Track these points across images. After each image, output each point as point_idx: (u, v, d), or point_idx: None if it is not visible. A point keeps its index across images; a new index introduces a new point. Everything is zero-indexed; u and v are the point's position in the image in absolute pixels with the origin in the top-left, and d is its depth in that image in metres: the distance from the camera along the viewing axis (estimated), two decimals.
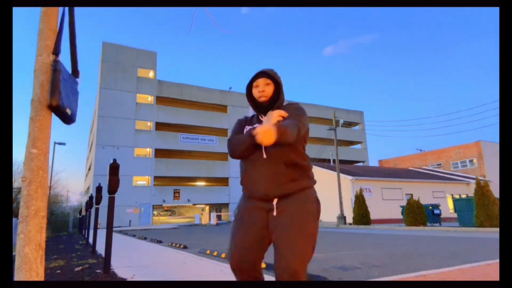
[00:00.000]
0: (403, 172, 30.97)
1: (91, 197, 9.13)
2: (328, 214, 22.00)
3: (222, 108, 38.52)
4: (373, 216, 18.95)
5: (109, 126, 31.44)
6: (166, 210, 54.02)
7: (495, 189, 17.16)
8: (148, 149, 33.78)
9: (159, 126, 34.86)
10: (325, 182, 23.70)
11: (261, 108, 1.68)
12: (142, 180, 33.15)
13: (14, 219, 8.98)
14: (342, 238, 10.38)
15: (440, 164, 37.84)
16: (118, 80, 32.85)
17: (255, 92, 1.67)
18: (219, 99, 38.18)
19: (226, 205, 36.10)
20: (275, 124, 1.41)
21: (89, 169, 37.17)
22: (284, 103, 1.73)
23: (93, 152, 32.58)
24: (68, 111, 1.58)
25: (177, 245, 8.45)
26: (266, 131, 1.30)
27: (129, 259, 5.71)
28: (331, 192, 22.18)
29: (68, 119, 1.61)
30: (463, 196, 23.49)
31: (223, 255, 5.86)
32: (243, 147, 1.57)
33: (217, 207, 36.77)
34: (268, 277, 2.76)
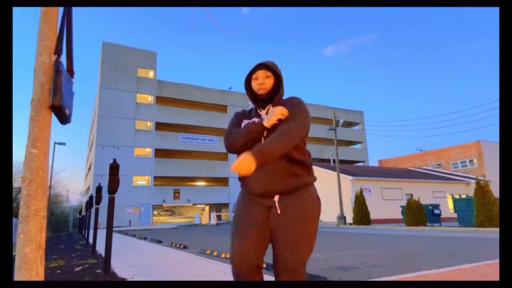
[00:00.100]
0: (403, 172, 30.97)
1: (91, 197, 9.13)
2: (328, 214, 22.00)
3: (222, 108, 38.52)
4: (373, 216, 18.95)
5: (109, 126, 31.44)
6: (166, 210, 54.03)
7: (495, 189, 17.17)
8: (148, 149, 33.78)
9: (159, 126, 34.86)
10: (325, 182, 23.69)
11: (260, 101, 1.64)
12: (142, 180, 33.15)
13: (14, 219, 8.98)
14: (342, 238, 10.38)
15: (440, 164, 37.84)
16: (118, 80, 32.86)
17: (254, 84, 1.62)
18: (219, 99, 38.18)
19: (226, 205, 36.10)
20: (258, 147, 1.37)
21: (89, 169, 37.17)
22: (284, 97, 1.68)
23: (93, 152, 32.58)
24: (67, 111, 1.59)
25: (177, 245, 8.45)
26: (242, 163, 1.29)
27: (129, 259, 5.71)
28: (331, 192, 22.17)
29: (65, 120, 1.62)
30: (463, 196, 23.50)
31: (223, 255, 5.86)
32: (241, 141, 1.52)
33: (217, 207, 36.78)
34: (268, 277, 2.76)
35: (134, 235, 14.33)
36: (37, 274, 1.37)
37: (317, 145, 35.02)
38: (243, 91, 1.74)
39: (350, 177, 23.06)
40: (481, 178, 15.79)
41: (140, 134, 33.15)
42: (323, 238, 10.37)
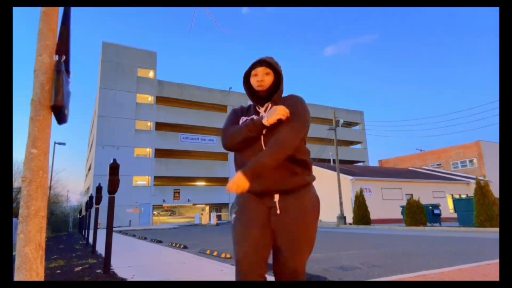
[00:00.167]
0: (403, 172, 30.97)
1: (91, 197, 9.13)
2: (328, 214, 22.00)
3: (222, 108, 38.52)
4: (373, 216, 18.95)
5: (109, 126, 31.44)
6: (166, 210, 54.03)
7: (495, 189, 17.15)
8: (148, 149, 33.78)
9: (159, 126, 34.86)
10: (325, 182, 23.68)
11: (259, 99, 1.60)
12: (142, 180, 33.15)
13: (14, 219, 8.98)
14: (342, 238, 10.38)
15: (440, 164, 37.84)
16: (118, 80, 32.85)
17: (253, 81, 1.58)
18: (219, 99, 38.19)
19: (226, 205, 36.11)
20: (250, 165, 1.38)
21: (89, 169, 37.17)
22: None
23: (93, 152, 32.58)
24: (66, 111, 1.59)
25: (177, 245, 8.45)
26: (234, 183, 1.34)
27: (129, 259, 5.71)
28: (331, 192, 22.17)
29: (63, 120, 1.62)
30: (463, 196, 23.49)
31: (223, 255, 5.86)
32: (239, 139, 1.49)
33: (217, 207, 36.78)
34: (268, 277, 2.76)
35: (134, 235, 14.33)
36: (37, 274, 1.37)
37: (317, 145, 35.01)
38: (243, 91, 1.66)
39: (350, 177, 23.06)
40: (481, 178, 15.78)
41: (140, 134, 33.15)
42: (323, 238, 10.36)
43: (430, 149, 40.43)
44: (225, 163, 36.18)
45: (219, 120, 36.93)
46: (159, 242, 10.19)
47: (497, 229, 11.23)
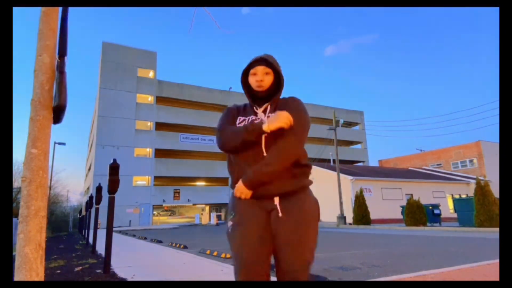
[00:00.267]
0: (403, 172, 30.98)
1: (91, 197, 9.13)
2: (328, 214, 22.00)
3: (222, 108, 38.49)
4: (373, 216, 18.95)
5: (109, 126, 31.45)
6: (166, 210, 54.03)
7: (495, 189, 17.16)
8: (148, 149, 33.78)
9: (159, 126, 34.86)
10: (325, 182, 23.69)
11: (257, 98, 1.55)
12: (142, 180, 33.16)
13: (14, 219, 8.98)
14: (342, 238, 10.38)
15: (440, 164, 37.84)
16: (118, 80, 32.86)
17: (252, 80, 1.52)
18: (219, 99, 38.19)
19: (226, 205, 36.08)
20: (252, 174, 1.37)
21: (89, 169, 37.18)
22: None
23: (93, 152, 32.59)
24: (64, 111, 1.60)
25: (177, 245, 8.45)
26: (237, 191, 1.43)
27: (129, 259, 5.71)
28: (331, 192, 22.18)
29: (60, 120, 1.62)
30: (463, 196, 23.50)
31: (223, 255, 5.86)
32: (237, 142, 1.43)
33: (217, 207, 36.79)
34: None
35: (134, 235, 14.34)
36: (37, 274, 1.37)
37: (317, 145, 35.01)
38: (243, 91, 1.61)
39: (350, 177, 23.07)
40: (481, 178, 15.79)
41: (140, 134, 33.16)
42: (323, 238, 10.37)
43: (430, 149, 40.48)
44: (225, 163, 35.87)
45: None
46: (159, 242, 10.19)
47: (497, 229, 11.23)
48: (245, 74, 1.57)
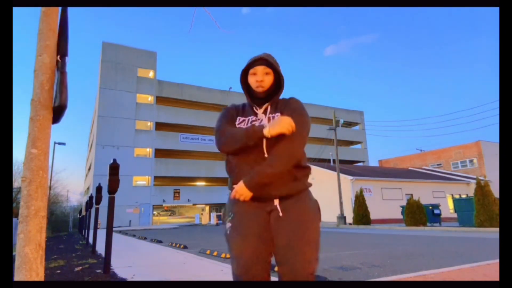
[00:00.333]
0: (403, 172, 30.97)
1: (91, 197, 9.13)
2: (328, 214, 22.00)
3: (222, 108, 38.42)
4: (373, 216, 18.95)
5: (109, 126, 31.46)
6: (166, 210, 54.04)
7: (495, 189, 17.18)
8: (148, 149, 33.78)
9: (159, 126, 34.87)
10: (325, 182, 23.69)
11: (256, 98, 1.53)
12: (142, 180, 33.16)
13: (14, 219, 8.98)
14: (342, 238, 10.38)
15: (440, 164, 37.84)
16: (118, 80, 32.87)
17: (252, 80, 1.50)
18: (219, 99, 38.20)
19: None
20: (254, 175, 1.35)
21: (89, 169, 37.18)
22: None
23: (93, 152, 32.59)
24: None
25: (177, 245, 8.45)
26: (237, 193, 1.39)
27: (129, 259, 5.71)
28: (331, 192, 22.18)
29: (59, 120, 1.62)
30: (463, 196, 23.50)
31: (223, 255, 5.86)
32: (237, 146, 1.41)
33: (217, 207, 36.78)
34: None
35: (134, 235, 14.34)
36: (37, 274, 1.37)
37: (317, 145, 35.02)
38: (243, 92, 1.58)
39: (350, 177, 23.06)
40: (481, 178, 15.79)
41: (140, 134, 33.16)
42: (323, 238, 10.33)
43: (430, 149, 40.49)
44: (225, 163, 36.16)
45: None
46: (159, 242, 10.20)
47: (497, 229, 11.23)
48: (245, 74, 1.55)
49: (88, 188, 36.18)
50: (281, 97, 1.57)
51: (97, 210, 6.75)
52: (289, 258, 1.36)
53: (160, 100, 35.51)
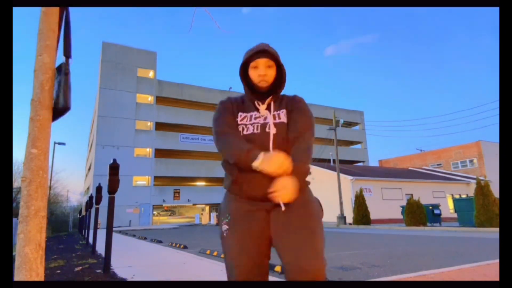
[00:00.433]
0: (403, 172, 30.97)
1: (91, 197, 9.13)
2: (328, 214, 21.99)
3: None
4: (373, 216, 18.95)
5: (109, 126, 31.46)
6: (166, 210, 54.04)
7: (495, 189, 17.17)
8: (148, 149, 33.78)
9: (159, 126, 34.87)
10: (325, 182, 23.69)
11: (258, 93, 1.44)
12: (142, 180, 33.16)
13: (14, 219, 8.98)
14: (342, 238, 10.38)
15: (440, 164, 37.84)
16: (118, 80, 32.87)
17: (254, 74, 1.42)
18: (219, 99, 37.77)
19: None
20: (300, 168, 1.31)
21: (89, 169, 37.18)
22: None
23: (93, 152, 32.59)
24: None
25: (177, 245, 8.45)
26: (286, 190, 1.24)
27: (129, 259, 5.71)
28: (331, 192, 22.17)
29: (56, 119, 1.62)
30: (463, 196, 23.49)
31: (223, 255, 5.86)
32: (231, 161, 1.34)
33: (217, 207, 36.71)
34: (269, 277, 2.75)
35: (134, 235, 14.34)
36: (37, 274, 1.37)
37: (317, 145, 35.02)
38: (243, 90, 1.50)
39: (350, 177, 23.06)
40: (482, 178, 15.80)
41: (140, 134, 33.17)
42: None
43: (430, 149, 40.50)
44: None
45: None
46: (159, 242, 10.19)
47: (497, 229, 11.23)
48: (244, 67, 1.47)
49: (88, 188, 36.17)
50: (283, 93, 1.52)
51: (97, 210, 6.75)
52: (290, 256, 1.28)
53: (160, 100, 35.51)
